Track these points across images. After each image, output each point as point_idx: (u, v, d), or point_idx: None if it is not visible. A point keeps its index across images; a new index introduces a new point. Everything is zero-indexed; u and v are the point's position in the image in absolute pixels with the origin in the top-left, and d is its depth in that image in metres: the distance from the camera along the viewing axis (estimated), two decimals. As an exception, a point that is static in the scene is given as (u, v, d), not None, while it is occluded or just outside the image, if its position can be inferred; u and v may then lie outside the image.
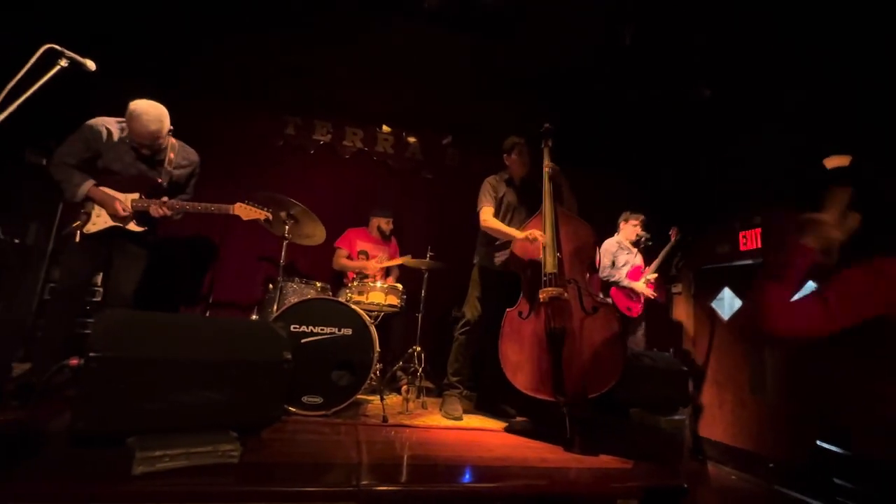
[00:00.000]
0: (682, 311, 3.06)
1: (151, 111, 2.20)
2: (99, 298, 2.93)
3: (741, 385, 2.44)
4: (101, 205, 2.23)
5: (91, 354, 1.45)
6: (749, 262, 2.53)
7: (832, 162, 2.79)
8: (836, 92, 2.69)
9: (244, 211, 2.43)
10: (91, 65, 1.74)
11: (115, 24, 3.17)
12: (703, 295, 2.78)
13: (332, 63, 3.85)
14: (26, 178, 3.02)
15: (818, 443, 1.39)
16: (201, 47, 3.51)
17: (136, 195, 2.29)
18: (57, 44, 1.66)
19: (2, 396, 1.96)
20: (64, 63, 1.67)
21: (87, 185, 2.20)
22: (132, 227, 2.29)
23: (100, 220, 2.24)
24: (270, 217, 2.52)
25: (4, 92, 1.50)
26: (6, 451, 1.40)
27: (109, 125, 2.25)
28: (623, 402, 2.82)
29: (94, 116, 2.28)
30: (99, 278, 2.92)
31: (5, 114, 1.49)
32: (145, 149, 2.27)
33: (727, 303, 2.86)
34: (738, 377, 2.47)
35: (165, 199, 2.32)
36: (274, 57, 3.72)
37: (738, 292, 2.62)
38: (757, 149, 3.29)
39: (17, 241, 2.96)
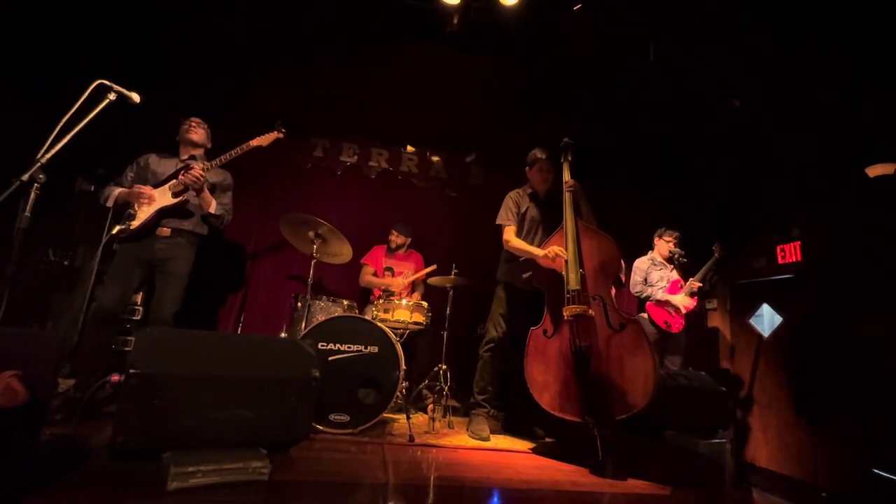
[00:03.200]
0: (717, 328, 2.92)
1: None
2: (139, 318, 3.06)
3: (787, 406, 2.29)
4: (128, 199, 2.45)
5: (131, 371, 1.51)
6: (789, 276, 2.41)
7: (875, 170, 2.66)
8: (877, 95, 2.58)
9: (262, 140, 2.64)
10: (136, 97, 1.86)
11: (147, 60, 3.41)
12: (740, 311, 2.66)
13: (358, 86, 3.98)
14: (77, 204, 3.23)
15: (874, 471, 1.29)
16: (231, 74, 3.71)
17: (172, 182, 2.52)
18: (104, 78, 1.78)
19: (48, 411, 2.05)
20: (112, 97, 1.79)
21: (116, 190, 2.50)
22: (170, 199, 2.48)
23: (142, 214, 2.45)
24: (282, 134, 2.69)
25: (59, 125, 1.62)
26: (50, 464, 1.45)
27: (148, 154, 2.65)
28: (658, 423, 2.70)
29: (135, 143, 2.66)
30: (139, 298, 3.06)
31: (60, 145, 1.61)
32: (191, 148, 2.64)
33: (767, 319, 2.72)
34: (782, 397, 2.32)
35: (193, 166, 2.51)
36: (302, 83, 3.89)
37: (777, 308, 2.49)
38: (793, 158, 3.17)
39: (66, 263, 3.15)
